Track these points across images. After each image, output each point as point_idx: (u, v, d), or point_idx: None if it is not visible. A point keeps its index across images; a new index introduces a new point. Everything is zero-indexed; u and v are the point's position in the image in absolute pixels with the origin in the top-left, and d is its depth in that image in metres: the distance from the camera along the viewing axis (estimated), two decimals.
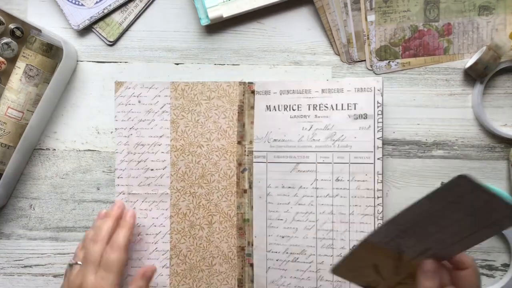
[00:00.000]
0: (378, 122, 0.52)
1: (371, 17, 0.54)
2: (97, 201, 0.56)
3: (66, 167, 0.56)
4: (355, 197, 0.52)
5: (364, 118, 0.52)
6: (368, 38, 0.55)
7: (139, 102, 0.55)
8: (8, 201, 0.56)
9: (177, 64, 0.56)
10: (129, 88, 0.55)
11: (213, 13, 0.53)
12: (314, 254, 0.53)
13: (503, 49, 0.51)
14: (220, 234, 0.55)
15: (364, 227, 0.52)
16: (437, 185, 0.55)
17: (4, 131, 0.53)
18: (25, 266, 0.57)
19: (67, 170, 0.56)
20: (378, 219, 0.52)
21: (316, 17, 0.55)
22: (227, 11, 0.53)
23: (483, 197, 0.37)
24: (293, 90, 0.54)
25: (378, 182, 0.52)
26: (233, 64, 0.56)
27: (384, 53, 0.55)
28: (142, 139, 0.55)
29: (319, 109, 0.53)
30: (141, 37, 0.56)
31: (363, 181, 0.52)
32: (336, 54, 0.55)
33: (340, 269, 0.44)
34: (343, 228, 0.52)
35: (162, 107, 0.55)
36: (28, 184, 0.56)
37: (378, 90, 0.52)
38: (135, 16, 0.55)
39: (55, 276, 0.56)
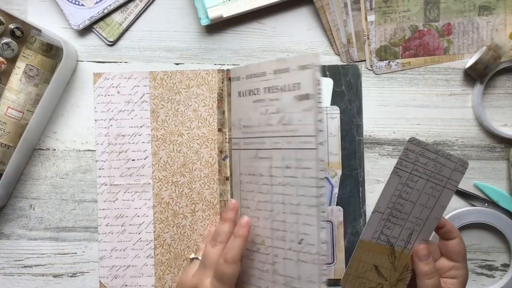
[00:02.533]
0: (318, 103, 0.45)
1: (371, 17, 0.54)
2: (97, 201, 0.56)
3: (66, 167, 0.56)
4: (301, 186, 0.46)
5: (306, 98, 0.46)
6: (368, 38, 0.54)
7: (118, 92, 0.55)
8: (8, 201, 0.56)
9: (177, 64, 0.56)
10: (108, 79, 0.55)
11: (213, 13, 0.53)
12: (270, 246, 0.48)
13: (503, 49, 0.51)
14: (204, 222, 0.55)
15: (309, 219, 0.45)
16: None
17: (4, 131, 0.53)
18: (25, 266, 0.57)
19: (67, 170, 0.56)
20: (321, 212, 0.45)
21: (316, 17, 0.55)
22: (227, 11, 0.53)
23: (431, 156, 0.45)
24: (254, 74, 0.50)
25: (320, 170, 0.45)
26: (233, 64, 0.56)
27: (384, 53, 0.55)
28: (122, 130, 0.55)
29: (272, 92, 0.48)
30: (141, 37, 0.56)
31: (308, 168, 0.45)
32: (336, 54, 0.55)
33: (348, 279, 0.47)
34: (293, 220, 0.47)
35: (141, 97, 0.55)
36: (28, 184, 0.56)
37: (316, 66, 0.45)
38: (135, 16, 0.55)
39: (55, 276, 0.56)
